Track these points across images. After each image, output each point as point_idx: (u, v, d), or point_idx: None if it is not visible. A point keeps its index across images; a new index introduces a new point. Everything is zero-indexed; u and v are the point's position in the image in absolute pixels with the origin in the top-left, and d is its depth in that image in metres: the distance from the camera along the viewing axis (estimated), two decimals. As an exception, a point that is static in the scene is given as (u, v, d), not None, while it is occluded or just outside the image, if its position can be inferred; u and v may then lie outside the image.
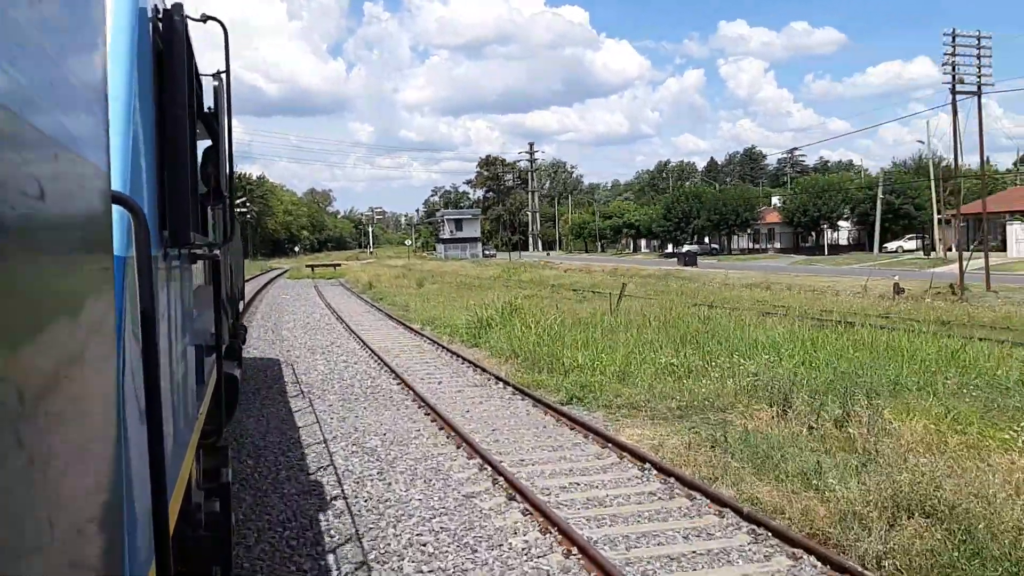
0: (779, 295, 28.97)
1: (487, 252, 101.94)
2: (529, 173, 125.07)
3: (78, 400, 1.48)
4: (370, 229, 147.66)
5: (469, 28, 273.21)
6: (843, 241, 68.49)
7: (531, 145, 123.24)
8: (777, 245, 68.25)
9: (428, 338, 20.26)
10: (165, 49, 3.46)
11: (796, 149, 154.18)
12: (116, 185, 2.38)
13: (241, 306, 17.55)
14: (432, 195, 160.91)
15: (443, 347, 18.25)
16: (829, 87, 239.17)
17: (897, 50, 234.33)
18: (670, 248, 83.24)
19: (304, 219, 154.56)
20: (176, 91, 3.38)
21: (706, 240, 72.97)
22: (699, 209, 67.91)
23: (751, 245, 68.79)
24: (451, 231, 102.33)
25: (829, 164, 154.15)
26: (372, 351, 17.99)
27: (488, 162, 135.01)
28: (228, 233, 5.72)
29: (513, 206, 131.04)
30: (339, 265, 67.47)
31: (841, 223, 62.07)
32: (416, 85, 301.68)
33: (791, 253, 65.23)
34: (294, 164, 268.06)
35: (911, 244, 56.85)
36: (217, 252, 5.28)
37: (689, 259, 52.52)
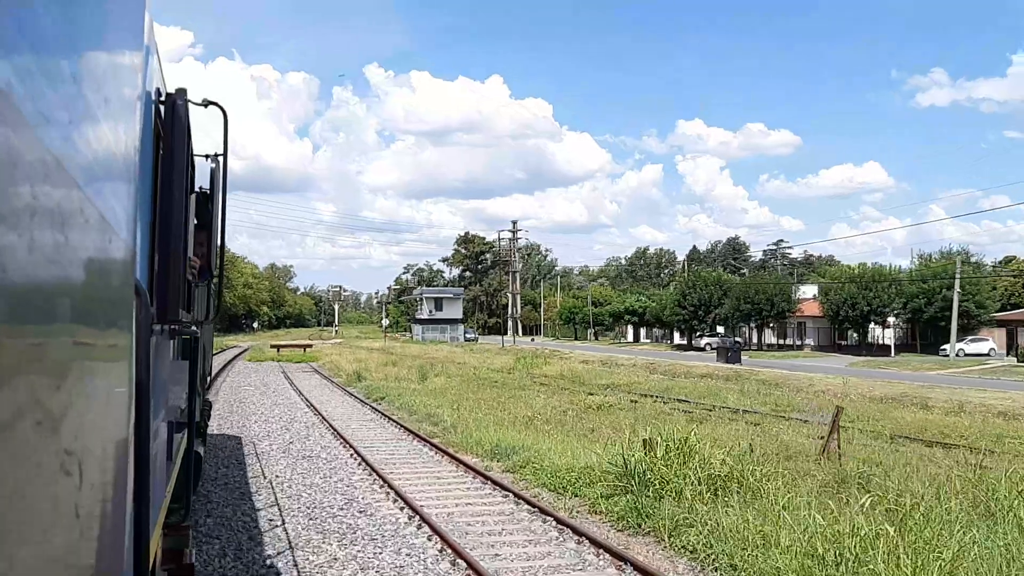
0: (955, 419, 20.78)
1: (468, 335, 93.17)
2: (511, 253, 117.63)
3: (91, 478, 1.56)
4: (336, 307, 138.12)
5: (435, 115, 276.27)
6: (886, 340, 61.38)
7: (514, 224, 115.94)
8: (810, 341, 60.89)
9: (572, 529, 9.44)
10: (166, 132, 3.61)
11: (783, 241, 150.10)
12: None
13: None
14: (404, 272, 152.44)
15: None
16: (783, 186, 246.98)
17: (849, 153, 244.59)
18: (678, 338, 75.58)
19: (264, 293, 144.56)
20: (174, 173, 3.51)
21: (719, 330, 65.46)
22: (720, 297, 60.57)
23: (778, 340, 61.28)
24: (430, 311, 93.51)
25: (812, 258, 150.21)
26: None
27: (466, 239, 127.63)
28: (214, 311, 6.08)
29: (491, 287, 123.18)
30: (310, 346, 58.08)
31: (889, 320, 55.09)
32: (380, 168, 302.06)
33: (829, 351, 57.86)
34: (254, 240, 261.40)
35: (978, 346, 49.80)
36: (196, 329, 5.11)
37: (732, 355, 44.56)
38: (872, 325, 55.64)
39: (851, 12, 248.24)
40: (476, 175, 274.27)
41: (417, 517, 10.28)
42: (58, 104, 1.34)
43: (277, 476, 13.31)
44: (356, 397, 26.77)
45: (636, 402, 22.71)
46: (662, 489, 10.32)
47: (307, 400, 25.75)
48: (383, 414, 21.74)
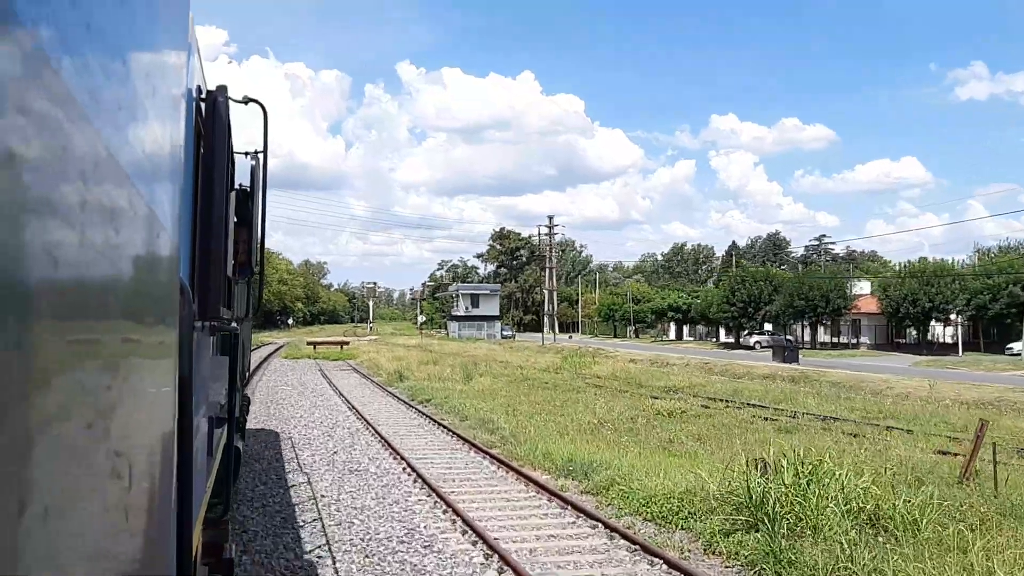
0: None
1: (505, 332, 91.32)
2: (548, 249, 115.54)
3: (138, 473, 1.59)
4: (370, 303, 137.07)
5: (466, 112, 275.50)
6: (946, 338, 58.33)
7: (550, 219, 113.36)
8: (865, 340, 58.07)
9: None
10: (207, 129, 3.59)
11: (825, 236, 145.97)
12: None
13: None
14: (438, 268, 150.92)
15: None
16: (818, 182, 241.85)
17: (886, 148, 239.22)
18: (723, 336, 72.99)
19: (299, 290, 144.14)
20: (215, 170, 3.52)
21: (767, 328, 62.83)
22: (770, 293, 57.94)
23: (831, 338, 58.41)
24: (466, 307, 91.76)
25: (855, 254, 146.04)
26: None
27: (502, 235, 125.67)
28: (255, 309, 6.54)
29: (526, 283, 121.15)
30: (347, 343, 56.65)
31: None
32: (412, 165, 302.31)
33: (886, 350, 55.03)
34: (288, 237, 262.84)
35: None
36: (235, 325, 5.13)
37: (790, 354, 42.15)
38: (932, 323, 52.72)
39: (889, 4, 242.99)
40: (507, 172, 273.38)
41: (496, 557, 8.44)
42: (112, 100, 1.35)
43: (323, 496, 11.56)
44: (399, 399, 25.06)
45: (707, 407, 20.67)
46: (797, 525, 8.37)
47: (348, 402, 24.11)
48: (431, 419, 19.97)
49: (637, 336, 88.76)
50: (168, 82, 2.13)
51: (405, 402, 24.14)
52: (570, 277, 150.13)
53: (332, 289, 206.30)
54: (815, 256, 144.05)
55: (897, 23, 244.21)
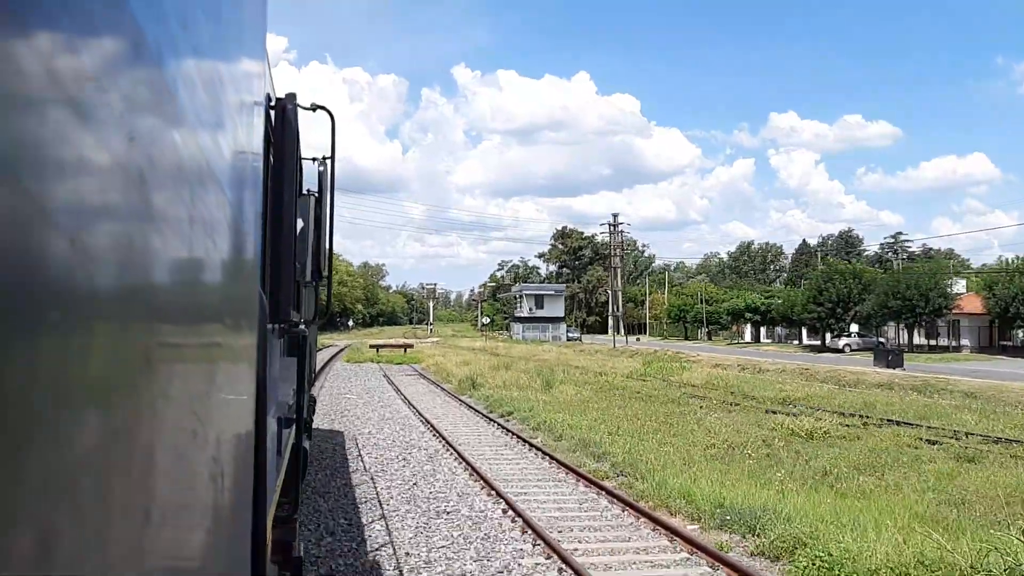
0: None
1: (571, 335, 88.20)
2: (611, 248, 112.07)
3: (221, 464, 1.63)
4: (430, 305, 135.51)
5: (521, 114, 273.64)
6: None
7: (614, 217, 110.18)
8: (966, 342, 53.34)
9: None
10: (276, 137, 3.64)
11: (901, 234, 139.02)
12: None
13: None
14: (499, 269, 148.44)
15: None
16: (881, 180, 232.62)
17: (953, 144, 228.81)
18: (806, 338, 68.57)
19: (359, 291, 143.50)
20: (285, 178, 3.58)
21: (853, 330, 58.49)
22: (859, 292, 53.61)
23: (927, 341, 53.72)
24: (530, 309, 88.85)
25: (932, 253, 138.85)
26: None
27: (564, 234, 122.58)
28: (324, 312, 6.27)
29: (589, 284, 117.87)
30: (410, 346, 54.34)
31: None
32: (468, 167, 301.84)
33: (991, 353, 50.28)
34: (347, 240, 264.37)
35: None
36: (304, 328, 5.12)
37: (894, 358, 38.19)
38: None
39: None
40: (562, 172, 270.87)
41: None
42: (206, 109, 1.39)
43: (408, 554, 8.85)
44: (476, 411, 22.36)
45: (848, 426, 17.31)
46: None
47: (420, 414, 21.51)
48: (519, 437, 17.18)
49: (710, 338, 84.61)
50: (250, 90, 2.22)
51: (483, 415, 21.42)
52: (632, 277, 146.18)
53: (391, 291, 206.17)
54: (890, 254, 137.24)
55: (962, 15, 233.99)
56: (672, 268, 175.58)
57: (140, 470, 1.03)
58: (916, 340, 53.73)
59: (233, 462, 1.80)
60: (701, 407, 21.64)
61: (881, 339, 58.46)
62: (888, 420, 18.54)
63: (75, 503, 0.86)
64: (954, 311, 50.45)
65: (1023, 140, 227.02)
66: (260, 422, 2.45)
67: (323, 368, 38.43)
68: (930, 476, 12.42)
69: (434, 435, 17.93)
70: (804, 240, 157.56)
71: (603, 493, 11.76)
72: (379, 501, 11.43)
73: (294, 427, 5.04)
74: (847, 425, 17.34)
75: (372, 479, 13.06)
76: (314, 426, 17.72)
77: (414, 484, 12.68)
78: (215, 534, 1.57)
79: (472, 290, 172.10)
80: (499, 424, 19.37)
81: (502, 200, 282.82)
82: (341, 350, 61.04)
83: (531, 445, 16.14)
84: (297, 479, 5.09)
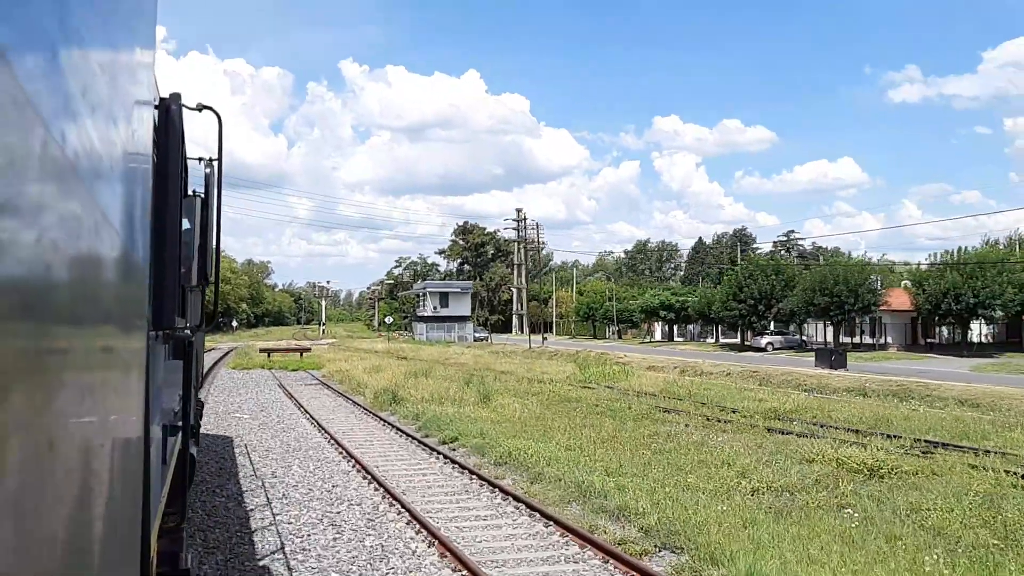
0: None
1: (478, 334, 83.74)
2: (516, 244, 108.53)
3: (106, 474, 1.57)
4: (322, 304, 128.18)
5: (411, 111, 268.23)
6: (980, 338, 52.82)
7: (519, 212, 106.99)
8: (887, 339, 52.21)
9: None
10: (160, 137, 3.48)
11: (793, 232, 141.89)
12: None
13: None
14: (396, 266, 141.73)
15: None
16: (758, 183, 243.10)
17: (824, 149, 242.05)
18: (718, 336, 66.75)
19: (243, 290, 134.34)
20: (170, 178, 3.45)
21: (770, 328, 56.85)
22: (781, 289, 51.71)
23: (851, 338, 52.24)
24: (434, 307, 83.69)
25: (820, 251, 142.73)
26: None
27: (465, 230, 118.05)
28: (211, 318, 6.16)
29: (492, 281, 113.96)
30: (307, 350, 48.49)
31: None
32: (356, 164, 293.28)
33: (916, 351, 49.22)
34: (229, 237, 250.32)
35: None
36: (190, 334, 5.08)
37: (837, 359, 35.82)
38: (981, 320, 47.03)
39: (826, 8, 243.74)
40: (453, 171, 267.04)
41: None
42: (73, 102, 1.30)
43: None
44: (408, 435, 17.68)
45: (905, 453, 13.60)
46: None
47: (336, 442, 16.67)
48: (484, 480, 12.71)
49: (620, 337, 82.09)
50: (135, 85, 2.07)
51: (419, 441, 16.80)
52: (533, 275, 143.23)
53: (276, 290, 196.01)
54: (783, 252, 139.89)
55: (832, 25, 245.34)
56: (569, 266, 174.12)
57: (17, 482, 0.97)
58: (843, 338, 52.35)
59: (118, 472, 1.74)
60: (685, 425, 17.75)
61: (805, 337, 57.04)
62: (928, 442, 15.13)
63: None
64: (886, 307, 49.14)
65: (889, 145, 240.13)
66: (146, 431, 2.36)
67: (205, 377, 32.60)
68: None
69: (364, 477, 13.24)
70: (700, 238, 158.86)
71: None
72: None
73: (180, 434, 4.89)
74: (907, 451, 13.67)
75: (290, 572, 8.33)
76: (198, 461, 12.85)
77: (359, 581, 8.07)
78: (101, 546, 1.51)
79: (369, 288, 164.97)
80: (446, 457, 14.82)
81: (392, 198, 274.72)
82: (226, 354, 54.49)
83: (503, 492, 11.73)
84: (184, 487, 4.90)
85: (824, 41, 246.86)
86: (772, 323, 57.30)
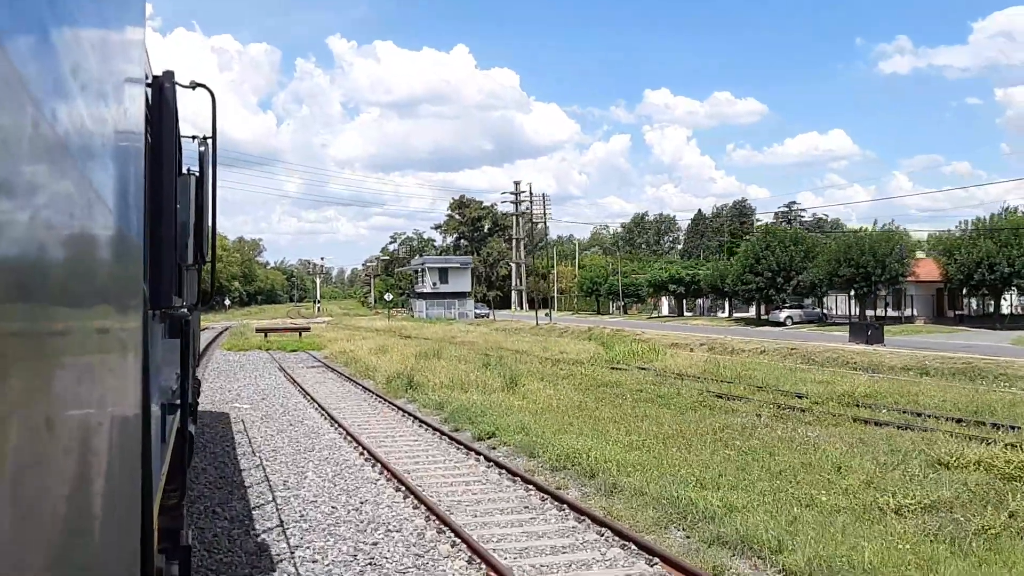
0: None
1: (479, 311, 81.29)
2: (514, 218, 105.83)
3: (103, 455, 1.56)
4: (317, 281, 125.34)
5: (400, 86, 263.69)
6: (1009, 309, 50.73)
7: (516, 184, 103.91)
8: (914, 312, 49.99)
9: None
10: (154, 115, 3.46)
11: (794, 203, 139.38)
12: None
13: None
14: (391, 242, 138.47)
15: None
16: (749, 155, 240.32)
17: (815, 121, 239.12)
18: (731, 310, 64.45)
19: (236, 268, 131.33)
20: (164, 157, 3.43)
21: (785, 302, 54.60)
22: (801, 260, 49.42)
23: (875, 311, 49.93)
24: (433, 283, 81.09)
25: (823, 222, 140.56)
26: None
27: (462, 204, 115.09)
28: (208, 297, 6.20)
29: (490, 256, 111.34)
30: (307, 330, 45.94)
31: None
32: (346, 140, 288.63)
33: (944, 323, 47.04)
34: (220, 216, 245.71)
35: None
36: (187, 312, 4.87)
37: (874, 333, 33.62)
38: (1014, 292, 44.85)
39: None
40: (444, 147, 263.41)
41: None
42: (65, 81, 1.29)
43: None
44: (436, 429, 15.31)
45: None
46: None
47: (359, 443, 14.27)
48: (547, 492, 10.35)
49: (625, 312, 79.73)
50: (125, 63, 2.06)
51: (448, 436, 14.45)
52: (531, 250, 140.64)
53: (268, 267, 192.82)
54: (785, 224, 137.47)
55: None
56: (565, 241, 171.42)
57: (20, 463, 0.99)
58: (865, 311, 50.13)
59: (118, 450, 1.74)
60: (757, 415, 15.44)
61: (825, 311, 54.82)
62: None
63: None
64: (912, 279, 46.86)
65: (880, 118, 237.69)
66: (144, 409, 2.39)
67: (200, 357, 30.16)
68: None
69: (397, 489, 10.87)
70: (699, 210, 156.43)
71: None
72: None
73: (179, 412, 4.89)
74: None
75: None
76: (195, 463, 10.51)
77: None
78: (104, 525, 1.53)
79: (364, 264, 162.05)
80: (487, 459, 12.46)
81: (383, 174, 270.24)
82: (220, 333, 51.99)
83: (576, 511, 9.39)
84: (183, 465, 4.87)
85: (815, 13, 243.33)
86: (788, 296, 55.00)
